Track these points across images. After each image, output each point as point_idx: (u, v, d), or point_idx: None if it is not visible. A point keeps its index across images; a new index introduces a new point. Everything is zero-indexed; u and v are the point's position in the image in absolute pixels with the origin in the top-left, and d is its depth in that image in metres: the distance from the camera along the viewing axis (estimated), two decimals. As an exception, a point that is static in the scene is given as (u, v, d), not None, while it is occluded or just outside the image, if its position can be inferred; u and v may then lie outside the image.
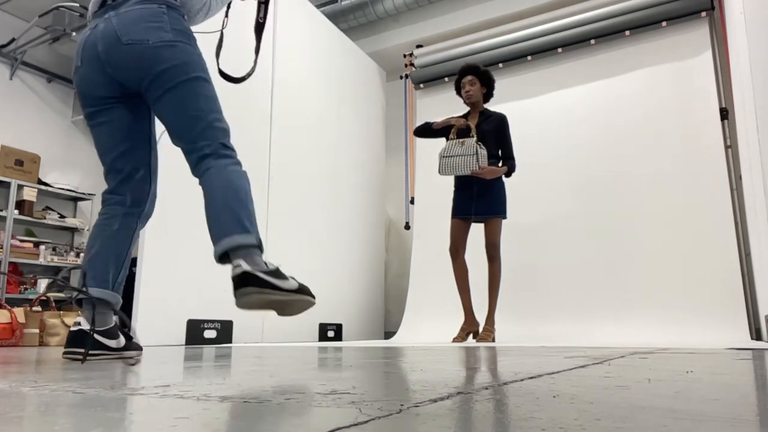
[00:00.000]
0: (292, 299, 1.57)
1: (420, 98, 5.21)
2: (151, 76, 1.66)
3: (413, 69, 5.21)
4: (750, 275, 3.44)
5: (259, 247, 1.62)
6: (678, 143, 3.89)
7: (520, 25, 4.69)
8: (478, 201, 3.41)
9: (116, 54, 1.66)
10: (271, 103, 3.91)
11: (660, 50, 4.11)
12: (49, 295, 4.51)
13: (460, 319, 3.50)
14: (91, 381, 0.98)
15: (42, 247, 5.16)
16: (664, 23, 4.09)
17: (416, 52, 5.20)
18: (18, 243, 4.97)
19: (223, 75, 2.14)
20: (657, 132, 3.98)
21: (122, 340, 1.75)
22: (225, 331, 3.30)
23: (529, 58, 4.60)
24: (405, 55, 5.27)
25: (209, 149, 1.73)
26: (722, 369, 1.17)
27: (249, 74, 2.22)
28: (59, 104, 5.65)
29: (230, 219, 1.67)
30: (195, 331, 3.12)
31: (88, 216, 5.65)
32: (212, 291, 3.29)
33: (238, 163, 1.78)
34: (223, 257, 1.64)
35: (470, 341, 3.39)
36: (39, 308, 3.34)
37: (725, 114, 3.79)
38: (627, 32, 4.21)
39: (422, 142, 4.90)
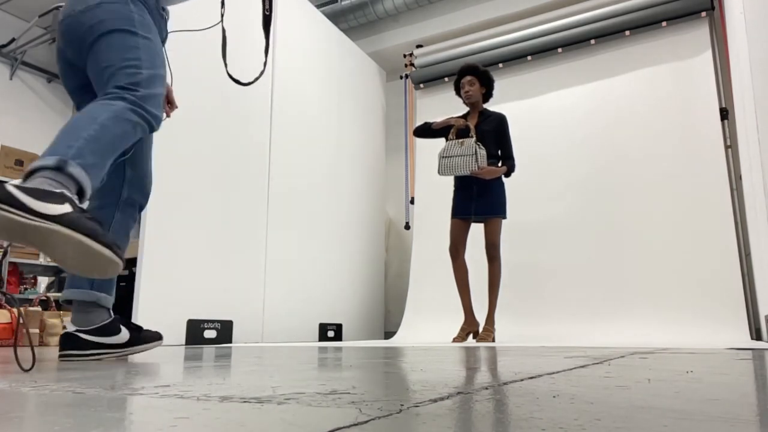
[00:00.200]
0: (44, 228, 1.16)
1: (420, 98, 5.21)
2: (82, 46, 1.61)
3: (413, 69, 5.21)
4: (750, 275, 3.44)
5: (58, 168, 1.28)
6: (678, 143, 3.89)
7: (520, 25, 4.69)
8: (478, 201, 3.42)
9: (62, 37, 1.67)
10: (271, 103, 3.91)
11: (660, 50, 4.11)
12: (48, 295, 4.51)
13: (460, 319, 3.50)
14: (91, 381, 0.98)
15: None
16: (664, 23, 4.09)
17: (416, 52, 5.20)
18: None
19: (232, 78, 2.07)
20: (657, 132, 3.98)
21: (124, 335, 1.69)
22: (225, 331, 3.30)
23: (529, 58, 4.60)
24: (405, 55, 5.27)
25: (105, 95, 1.52)
26: (722, 369, 1.17)
27: (259, 76, 2.11)
28: (59, 104, 5.65)
29: (57, 142, 1.36)
30: (195, 331, 3.12)
31: (88, 216, 5.65)
32: (212, 291, 3.30)
33: (123, 99, 1.49)
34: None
35: (470, 341, 3.39)
36: (39, 307, 3.34)
37: (725, 114, 3.79)
38: (627, 32, 4.22)
39: (422, 142, 4.90)
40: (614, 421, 0.54)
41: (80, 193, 1.34)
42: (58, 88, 5.64)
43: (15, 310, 3.13)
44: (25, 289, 5.05)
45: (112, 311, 1.72)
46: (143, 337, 1.70)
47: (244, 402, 0.69)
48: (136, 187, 1.80)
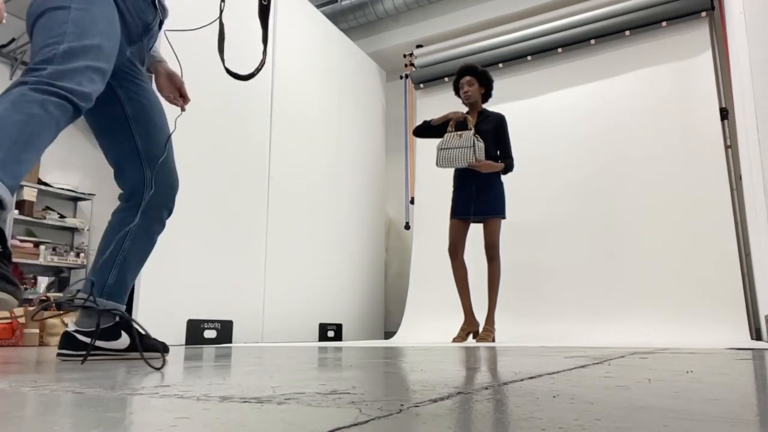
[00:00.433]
0: None
1: (420, 98, 5.21)
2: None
3: (413, 69, 5.21)
4: (750, 275, 3.44)
5: None
6: (678, 143, 3.89)
7: (520, 25, 4.69)
8: (477, 201, 3.42)
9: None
10: (270, 102, 3.91)
11: (660, 50, 4.12)
12: (48, 294, 4.51)
13: (460, 319, 3.50)
14: (91, 381, 0.98)
15: (42, 247, 5.16)
16: (664, 23, 4.09)
17: (416, 52, 5.20)
18: (18, 243, 4.97)
19: (230, 73, 1.95)
20: (657, 132, 3.98)
21: (124, 341, 1.67)
22: (225, 331, 3.30)
23: (529, 58, 4.60)
24: (405, 55, 5.27)
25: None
26: (722, 369, 1.17)
27: (258, 69, 1.96)
28: (59, 104, 5.64)
29: None
30: (195, 331, 3.12)
31: (88, 216, 5.65)
32: (212, 291, 3.30)
33: (23, 83, 1.31)
34: None
35: (470, 341, 3.39)
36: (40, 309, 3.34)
37: (725, 114, 3.79)
38: (627, 32, 4.22)
39: (422, 143, 4.90)
40: (614, 421, 0.54)
41: None
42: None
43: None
44: (25, 289, 5.05)
45: (121, 315, 1.67)
46: (144, 345, 1.64)
47: (244, 402, 0.69)
48: (159, 189, 1.77)
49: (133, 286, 2.96)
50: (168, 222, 3.16)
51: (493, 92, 3.68)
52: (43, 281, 5.19)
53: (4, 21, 1.57)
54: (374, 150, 5.20)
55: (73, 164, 5.69)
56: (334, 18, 5.14)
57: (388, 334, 4.89)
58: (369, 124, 5.14)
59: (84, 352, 1.52)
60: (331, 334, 4.27)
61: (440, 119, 3.53)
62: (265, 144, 3.83)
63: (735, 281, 3.48)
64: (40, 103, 1.29)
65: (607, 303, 3.83)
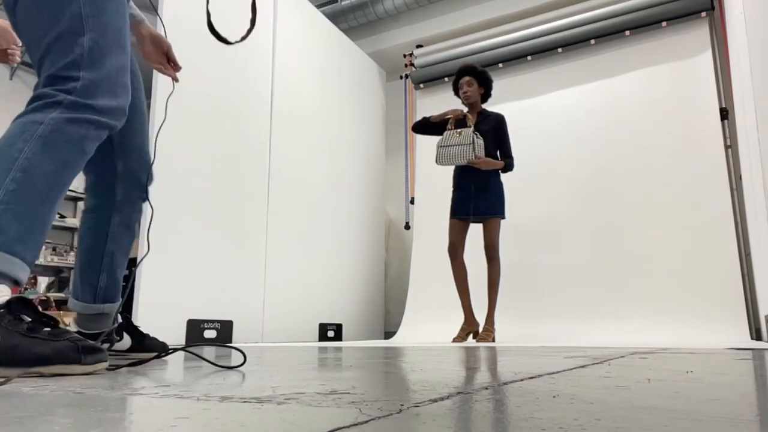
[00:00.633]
0: None
1: (420, 98, 5.21)
2: (11, 19, 1.29)
3: (413, 69, 5.21)
4: (750, 275, 3.44)
5: None
6: (678, 143, 3.89)
7: (520, 25, 4.69)
8: (477, 201, 3.42)
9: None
10: (270, 102, 3.91)
11: (660, 50, 4.12)
12: (48, 294, 4.51)
13: (460, 319, 3.50)
14: (91, 381, 0.98)
15: (42, 247, 5.16)
16: (664, 23, 4.09)
17: (416, 52, 5.20)
18: (18, 243, 4.96)
19: (215, 34, 1.68)
20: (657, 132, 3.98)
21: (126, 342, 1.63)
22: (225, 331, 3.30)
23: (529, 58, 4.60)
24: (405, 55, 5.27)
25: (32, 99, 1.14)
26: (722, 369, 1.17)
27: (247, 34, 1.72)
28: (59, 104, 5.65)
29: None
30: (195, 331, 3.12)
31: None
32: (212, 291, 3.30)
33: (55, 105, 1.09)
34: None
35: (470, 341, 3.39)
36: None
37: (725, 114, 3.79)
38: (627, 32, 4.22)
39: (422, 142, 4.90)
40: (614, 421, 0.54)
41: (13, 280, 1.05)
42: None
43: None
44: (25, 289, 5.05)
45: (119, 316, 1.62)
46: (145, 346, 1.61)
47: (244, 402, 0.69)
48: (131, 182, 1.55)
49: (133, 285, 2.97)
50: (168, 222, 3.16)
51: (493, 92, 3.68)
52: (43, 281, 5.19)
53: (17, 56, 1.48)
54: (374, 150, 5.20)
55: (73, 164, 5.69)
56: (334, 18, 5.14)
57: (388, 334, 4.89)
58: (369, 124, 5.14)
59: None
60: (331, 334, 4.27)
61: (440, 116, 3.53)
62: (265, 144, 3.83)
63: (735, 281, 3.47)
64: (78, 142, 1.10)
65: (607, 303, 3.83)
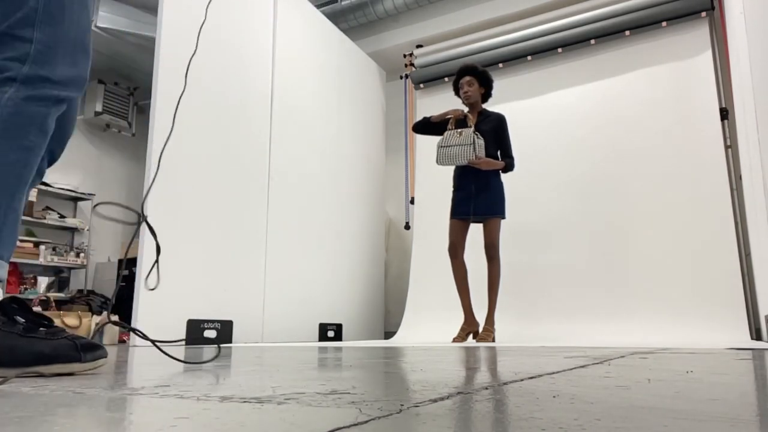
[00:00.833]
0: None
1: (420, 98, 5.21)
2: None
3: (413, 69, 5.21)
4: (750, 275, 3.44)
5: None
6: (678, 143, 3.89)
7: (520, 25, 4.69)
8: (477, 201, 3.42)
9: None
10: (270, 102, 3.91)
11: (660, 50, 4.11)
12: (48, 294, 4.51)
13: (460, 319, 3.50)
14: (91, 381, 0.98)
15: (42, 247, 5.16)
16: (664, 23, 4.09)
17: (416, 52, 5.20)
18: (18, 243, 4.96)
19: None
20: (657, 132, 3.98)
21: None
22: (225, 331, 3.30)
23: (529, 58, 4.60)
24: (405, 55, 5.27)
25: None
26: (722, 369, 1.17)
27: None
28: (59, 104, 5.64)
29: None
30: (195, 331, 3.12)
31: (88, 216, 5.65)
32: (212, 291, 3.30)
33: (8, 81, 0.97)
34: None
35: (470, 341, 3.39)
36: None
37: (725, 114, 3.79)
38: (627, 32, 4.22)
39: (422, 142, 4.90)
40: (614, 421, 0.54)
41: None
42: (58, 88, 5.63)
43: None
44: (25, 289, 5.05)
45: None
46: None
47: (244, 402, 0.69)
48: (57, 139, 1.27)
49: (133, 287, 2.97)
50: (168, 222, 3.16)
51: (493, 92, 3.67)
52: (43, 281, 5.19)
53: None
54: (374, 150, 5.20)
55: (73, 164, 5.69)
56: (334, 18, 5.14)
57: (388, 334, 4.89)
58: (369, 124, 5.14)
59: None
60: (331, 334, 4.27)
61: (440, 116, 3.53)
62: (265, 144, 3.83)
63: (735, 281, 3.47)
64: (40, 124, 1.01)
65: (607, 303, 3.83)
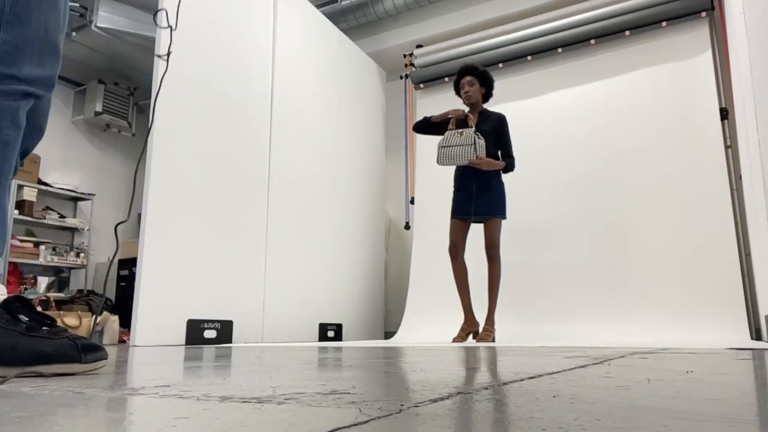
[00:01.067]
0: None
1: (420, 98, 5.21)
2: None
3: (413, 69, 5.21)
4: (750, 275, 3.44)
5: None
6: (678, 143, 3.89)
7: (520, 25, 4.69)
8: (478, 201, 3.42)
9: None
10: (270, 103, 3.91)
11: (660, 50, 4.11)
12: (48, 294, 4.51)
13: (460, 319, 3.50)
14: (91, 381, 0.98)
15: (42, 247, 5.16)
16: (664, 23, 4.09)
17: (416, 52, 5.20)
18: (18, 243, 4.97)
19: None
20: (657, 132, 3.98)
21: None
22: (225, 331, 3.30)
23: (529, 58, 4.60)
24: (405, 55, 5.27)
25: None
26: (722, 369, 1.17)
27: None
28: (59, 104, 5.65)
29: None
30: (195, 331, 3.12)
31: (88, 216, 5.65)
32: (212, 291, 3.30)
33: None
34: None
35: (470, 341, 3.39)
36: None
37: (725, 114, 3.79)
38: (627, 32, 4.22)
39: (422, 142, 4.90)
40: (614, 421, 0.54)
41: None
42: (58, 88, 5.61)
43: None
44: (25, 289, 5.05)
45: None
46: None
47: (244, 402, 0.69)
48: (28, 135, 1.23)
49: (133, 287, 2.97)
50: (168, 222, 3.16)
51: (494, 92, 3.68)
52: (43, 281, 5.19)
53: None
54: (374, 150, 5.20)
55: (73, 164, 5.69)
56: (334, 18, 5.14)
57: (388, 334, 4.89)
58: (369, 124, 5.14)
59: None
60: (331, 334, 4.27)
61: (441, 116, 3.53)
62: (264, 144, 3.83)
63: (735, 281, 3.47)
64: (12, 117, 1.01)
65: (607, 303, 3.83)
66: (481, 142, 3.37)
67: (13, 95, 1.02)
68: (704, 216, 3.69)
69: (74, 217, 5.63)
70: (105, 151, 6.02)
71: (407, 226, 5.07)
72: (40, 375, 1.04)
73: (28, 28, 1.02)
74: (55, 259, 5.20)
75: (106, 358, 1.13)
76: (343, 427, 0.51)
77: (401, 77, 5.31)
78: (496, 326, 3.45)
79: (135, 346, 2.79)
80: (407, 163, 5.17)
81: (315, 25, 4.51)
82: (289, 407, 0.65)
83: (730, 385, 0.87)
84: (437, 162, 3.45)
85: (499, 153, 3.51)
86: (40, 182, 5.23)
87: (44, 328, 1.07)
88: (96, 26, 4.66)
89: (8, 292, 4.82)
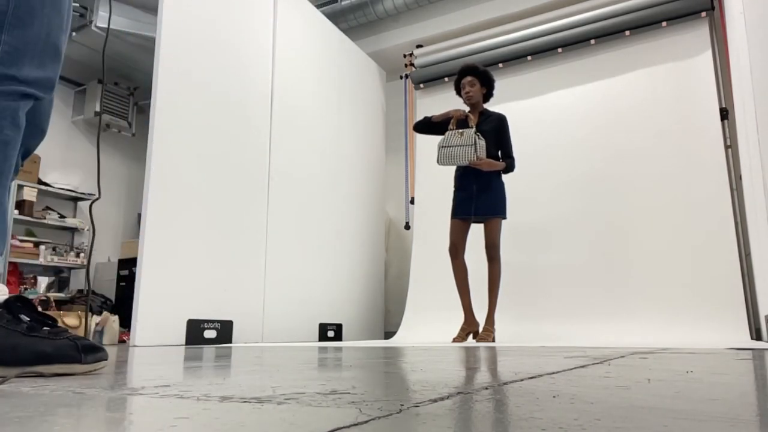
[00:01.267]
0: None
1: (420, 98, 5.21)
2: None
3: (413, 69, 5.21)
4: (750, 275, 3.44)
5: None
6: (678, 143, 3.89)
7: (520, 25, 4.69)
8: (478, 201, 3.42)
9: None
10: (270, 103, 3.91)
11: (660, 50, 4.11)
12: (48, 294, 4.51)
13: (460, 319, 3.50)
14: (91, 381, 0.98)
15: (42, 247, 5.16)
16: (664, 23, 4.09)
17: (416, 52, 5.20)
18: (18, 243, 4.97)
19: None
20: (657, 132, 3.98)
21: None
22: (225, 331, 3.30)
23: (529, 58, 4.60)
24: (405, 55, 5.27)
25: None
26: (722, 369, 1.17)
27: None
28: (59, 104, 5.65)
29: None
30: (195, 331, 3.12)
31: (88, 216, 5.65)
32: (212, 291, 3.30)
33: None
34: None
35: (470, 341, 3.39)
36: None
37: (725, 114, 3.79)
38: (627, 32, 4.22)
39: (422, 142, 4.90)
40: (614, 421, 0.54)
41: None
42: (58, 88, 5.60)
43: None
44: (25, 289, 5.05)
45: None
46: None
47: (244, 402, 0.69)
48: (29, 135, 1.25)
49: (133, 287, 2.96)
50: (168, 222, 3.16)
51: (494, 92, 3.68)
52: (43, 281, 5.18)
53: None
54: (374, 150, 5.20)
55: (73, 164, 5.70)
56: (334, 18, 5.14)
57: (388, 334, 4.88)
58: (369, 124, 5.14)
59: None
60: (331, 334, 4.27)
61: (441, 116, 3.53)
62: (264, 144, 3.83)
63: (735, 281, 3.47)
64: (12, 117, 1.02)
65: (607, 303, 3.83)
66: (482, 142, 3.37)
67: (13, 96, 1.03)
68: (704, 216, 3.69)
69: (74, 217, 5.63)
70: (105, 151, 6.02)
71: (407, 226, 5.07)
72: (40, 375, 1.04)
73: (30, 30, 1.03)
74: (55, 259, 5.20)
75: (106, 359, 1.13)
76: (343, 427, 0.51)
77: (401, 77, 5.31)
78: (496, 326, 3.45)
79: (135, 346, 2.79)
80: (407, 163, 5.17)
81: (315, 25, 4.51)
82: (289, 407, 0.65)
83: (730, 385, 0.87)
84: (437, 162, 3.45)
85: (499, 153, 3.51)
86: (40, 182, 5.23)
87: (45, 328, 1.07)
88: (96, 26, 4.66)
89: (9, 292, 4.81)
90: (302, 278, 4.05)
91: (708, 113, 3.84)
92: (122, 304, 4.65)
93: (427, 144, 4.73)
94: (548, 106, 4.47)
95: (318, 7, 4.93)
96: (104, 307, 4.69)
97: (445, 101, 4.75)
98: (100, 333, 3.45)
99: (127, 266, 5.10)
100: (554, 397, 0.73)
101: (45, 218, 5.22)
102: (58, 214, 5.41)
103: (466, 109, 3.63)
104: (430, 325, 4.31)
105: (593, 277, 3.95)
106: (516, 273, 4.12)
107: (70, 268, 5.48)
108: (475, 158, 3.33)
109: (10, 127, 1.03)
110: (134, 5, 4.81)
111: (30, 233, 5.22)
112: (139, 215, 3.14)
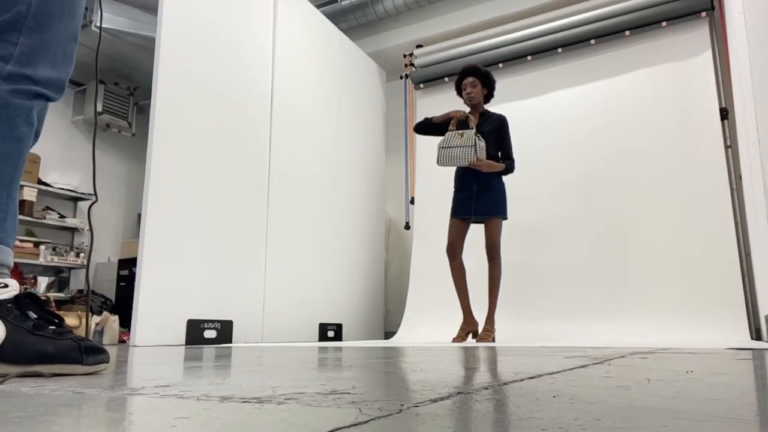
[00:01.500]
0: None
1: (420, 98, 5.21)
2: None
3: (413, 69, 5.21)
4: (750, 275, 3.44)
5: None
6: (678, 143, 3.89)
7: (520, 25, 4.69)
8: (478, 201, 3.42)
9: None
10: (271, 103, 3.91)
11: (660, 50, 4.11)
12: (48, 294, 4.51)
13: (460, 319, 3.50)
14: (91, 381, 0.98)
15: (42, 247, 5.16)
16: (664, 23, 4.09)
17: (416, 52, 5.20)
18: (18, 243, 4.97)
19: None
20: (657, 132, 3.98)
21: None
22: (225, 331, 3.30)
23: (529, 58, 4.60)
24: (405, 55, 5.27)
25: None
26: (722, 369, 1.17)
27: None
28: (59, 104, 5.65)
29: None
30: (195, 331, 3.12)
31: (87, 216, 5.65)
32: (212, 291, 3.30)
33: (0, 77, 1.03)
34: None
35: (470, 341, 3.39)
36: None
37: (725, 114, 3.79)
38: (627, 32, 4.22)
39: (422, 142, 4.90)
40: (614, 421, 0.54)
41: None
42: (58, 88, 5.62)
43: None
44: (25, 288, 5.05)
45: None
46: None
47: (244, 402, 0.69)
48: None
49: (133, 287, 2.97)
50: (168, 222, 3.17)
51: (494, 93, 3.68)
52: (43, 281, 5.18)
53: None
54: (374, 150, 5.20)
55: (73, 164, 5.70)
56: (334, 18, 5.14)
57: (388, 334, 4.88)
58: (369, 124, 5.14)
59: None
60: (331, 334, 4.27)
61: (442, 117, 3.53)
62: (264, 144, 3.83)
63: (735, 281, 3.47)
64: (26, 115, 1.05)
65: (607, 303, 3.83)
66: (482, 143, 3.37)
67: (27, 95, 1.07)
68: (704, 216, 3.69)
69: (74, 217, 5.63)
70: (105, 151, 6.02)
71: (407, 226, 5.07)
72: (40, 375, 1.04)
73: (48, 34, 1.07)
74: (55, 259, 5.20)
75: (107, 362, 1.13)
76: (343, 427, 0.51)
77: (401, 77, 5.31)
78: (496, 326, 3.45)
79: (135, 346, 2.79)
80: (407, 163, 5.17)
81: (315, 25, 4.51)
82: (289, 407, 0.65)
83: (730, 385, 0.87)
84: (437, 163, 3.45)
85: (499, 154, 3.51)
86: (40, 182, 5.23)
87: (51, 327, 1.07)
88: (96, 26, 4.66)
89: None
90: (302, 278, 4.05)
91: (708, 113, 3.84)
92: (122, 304, 4.65)
93: (427, 144, 4.73)
94: (548, 106, 4.47)
95: (318, 7, 4.93)
96: (104, 307, 4.69)
97: (445, 101, 4.75)
98: (100, 333, 3.46)
99: (127, 266, 5.10)
100: (554, 397, 0.73)
101: (45, 218, 5.22)
102: (58, 214, 5.41)
103: (467, 109, 3.63)
104: (430, 325, 4.31)
105: (593, 277, 3.95)
106: (516, 273, 4.12)
107: (70, 268, 5.48)
108: (475, 159, 3.33)
109: (24, 124, 1.07)
110: (134, 5, 4.81)
111: (30, 233, 5.22)
112: (139, 215, 3.14)
